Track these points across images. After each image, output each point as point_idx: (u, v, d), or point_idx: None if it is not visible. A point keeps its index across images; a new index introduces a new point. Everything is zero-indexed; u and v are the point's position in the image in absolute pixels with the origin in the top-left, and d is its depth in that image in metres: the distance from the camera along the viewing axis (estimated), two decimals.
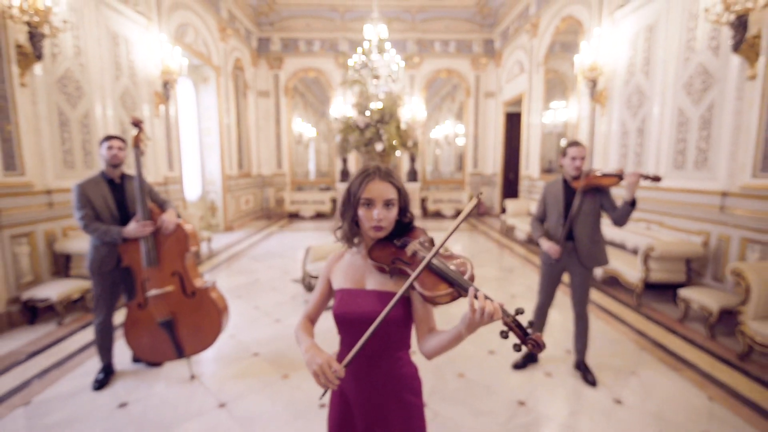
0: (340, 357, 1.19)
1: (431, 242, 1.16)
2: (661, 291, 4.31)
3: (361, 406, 1.11)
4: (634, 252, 4.67)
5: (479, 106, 11.14)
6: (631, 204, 2.41)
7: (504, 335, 0.93)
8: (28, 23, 3.60)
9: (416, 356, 1.45)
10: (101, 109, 4.85)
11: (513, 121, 10.17)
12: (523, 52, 8.90)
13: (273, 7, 10.07)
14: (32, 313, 3.70)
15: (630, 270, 4.22)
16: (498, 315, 0.90)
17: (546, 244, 2.71)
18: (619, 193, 3.86)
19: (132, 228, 2.46)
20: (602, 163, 5.87)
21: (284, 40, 10.63)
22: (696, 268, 4.10)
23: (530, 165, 8.69)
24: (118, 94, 5.19)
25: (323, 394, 1.03)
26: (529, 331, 0.92)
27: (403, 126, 4.71)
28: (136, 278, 2.59)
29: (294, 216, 10.98)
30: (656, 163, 4.74)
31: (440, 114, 11.99)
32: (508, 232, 8.20)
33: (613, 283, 4.82)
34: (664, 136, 4.62)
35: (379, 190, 1.10)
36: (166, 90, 6.10)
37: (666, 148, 4.59)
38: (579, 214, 2.62)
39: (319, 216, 10.95)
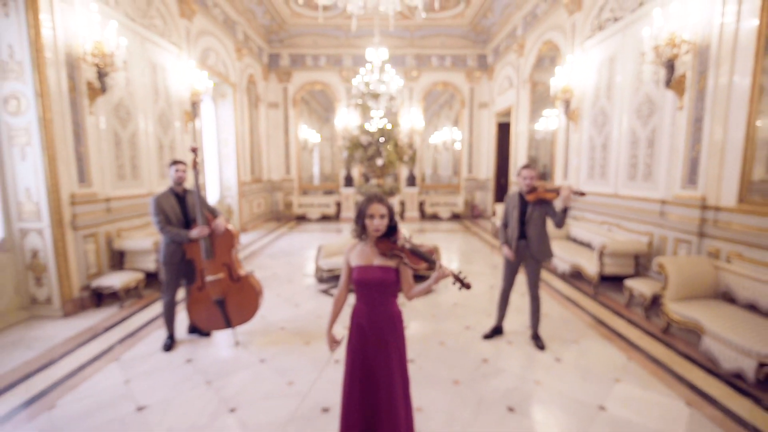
0: (356, 307, 2.03)
1: (410, 238, 2.00)
2: (615, 282, 5.13)
3: (372, 330, 1.95)
4: None
5: (473, 116, 11.98)
6: (564, 211, 3.24)
7: (453, 283, 1.78)
8: (97, 65, 4.48)
9: (407, 331, 2.19)
10: (144, 128, 5.72)
11: (504, 131, 10.98)
12: (511, 68, 9.74)
13: (283, 26, 10.95)
14: (98, 298, 4.57)
15: (590, 265, 5.04)
16: (450, 273, 1.74)
17: (505, 250, 3.57)
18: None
19: (195, 231, 3.31)
20: (575, 171, 6.70)
21: (293, 56, 11.51)
22: (643, 262, 4.91)
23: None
24: (157, 115, 6.05)
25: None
26: (466, 281, 1.76)
27: (401, 141, 5.53)
28: (196, 268, 3.44)
29: (301, 218, 11.83)
30: (615, 174, 5.57)
31: (439, 120, 12.84)
32: (498, 233, 9.01)
33: (578, 276, 5.64)
34: (621, 152, 5.45)
35: (377, 208, 1.93)
36: (194, 109, 6.97)
37: (623, 161, 5.42)
38: (530, 219, 3.45)
39: (325, 218, 11.80)
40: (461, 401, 2.74)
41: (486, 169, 11.92)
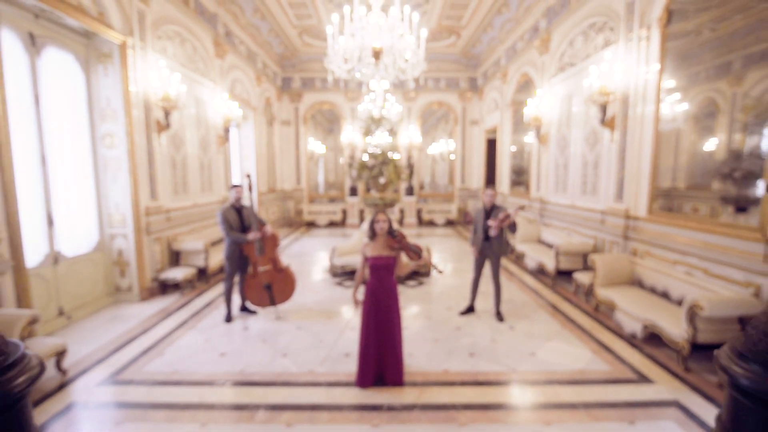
0: (370, 282, 3.32)
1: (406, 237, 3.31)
2: (569, 275, 6.40)
3: (381, 294, 3.26)
4: None
5: (466, 132, 13.33)
6: (513, 223, 4.54)
7: (433, 269, 3.10)
8: (164, 107, 5.81)
9: (405, 310, 3.50)
10: (191, 152, 7.05)
11: (493, 146, 12.30)
12: (497, 92, 11.09)
13: (295, 53, 12.34)
14: (163, 287, 5.87)
15: (549, 262, 6.34)
16: (428, 260, 3.07)
17: (474, 249, 4.87)
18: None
19: (252, 235, 4.62)
20: (545, 186, 8.01)
21: (303, 79, 12.89)
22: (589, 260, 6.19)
23: (503, 183, 10.83)
24: (199, 140, 7.39)
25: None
26: (439, 268, 3.09)
27: (399, 163, 6.83)
28: (250, 261, 4.74)
29: (311, 224, 13.13)
30: (573, 189, 6.88)
31: (436, 132, 14.16)
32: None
33: (542, 272, 6.93)
34: (576, 171, 6.76)
35: (381, 216, 3.26)
36: (226, 133, 8.31)
37: (578, 179, 6.73)
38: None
39: (332, 224, 13.10)
40: (439, 350, 4.04)
41: (477, 179, 13.23)
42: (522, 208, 4.49)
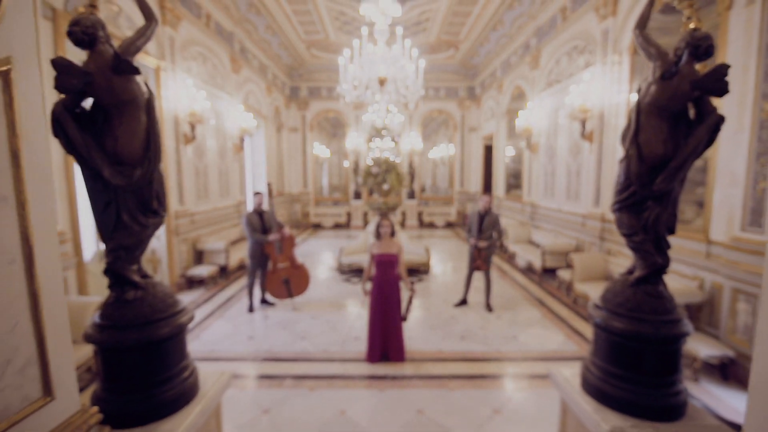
0: (376, 275, 4.00)
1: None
2: (554, 273, 7.07)
3: (385, 285, 3.93)
4: None
5: (464, 138, 14.01)
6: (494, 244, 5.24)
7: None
8: (190, 122, 6.51)
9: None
10: (211, 160, 7.75)
11: (490, 152, 12.97)
12: (493, 101, 11.76)
13: (303, 64, 13.05)
14: (189, 283, 6.56)
15: (537, 261, 7.00)
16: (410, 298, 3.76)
17: (471, 241, 5.54)
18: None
19: (272, 236, 5.30)
20: (535, 191, 8.68)
21: (310, 88, 13.59)
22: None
23: (498, 187, 11.50)
24: (217, 149, 8.09)
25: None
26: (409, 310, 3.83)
27: (401, 171, 7.50)
28: (270, 259, 5.43)
29: (317, 226, 13.82)
30: (559, 194, 7.55)
31: (437, 137, 14.85)
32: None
33: (530, 270, 7.60)
34: (562, 178, 7.43)
35: (385, 222, 3.94)
36: (241, 142, 9.01)
37: (563, 185, 7.40)
38: (486, 228, 5.43)
39: (337, 226, 13.79)
40: (435, 334, 4.71)
41: (475, 183, 13.89)
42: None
